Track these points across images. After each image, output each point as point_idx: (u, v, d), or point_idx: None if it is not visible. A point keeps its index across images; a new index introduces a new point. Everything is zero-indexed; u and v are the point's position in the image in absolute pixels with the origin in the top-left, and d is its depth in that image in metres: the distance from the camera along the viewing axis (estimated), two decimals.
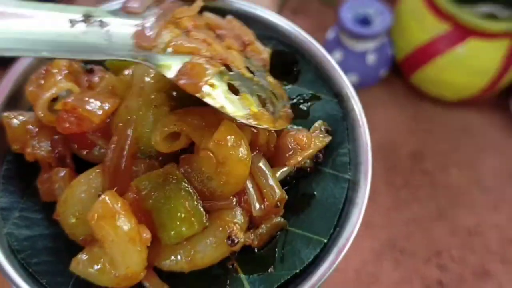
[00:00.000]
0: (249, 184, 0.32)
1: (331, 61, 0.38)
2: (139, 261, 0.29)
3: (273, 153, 0.34)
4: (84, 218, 0.30)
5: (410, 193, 0.82)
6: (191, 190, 0.30)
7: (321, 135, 0.35)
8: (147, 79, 0.32)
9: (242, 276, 0.32)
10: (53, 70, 0.33)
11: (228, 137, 0.29)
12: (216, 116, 0.30)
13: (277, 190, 0.32)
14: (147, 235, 0.29)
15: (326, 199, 0.34)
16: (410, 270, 0.81)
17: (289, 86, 0.39)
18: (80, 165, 0.34)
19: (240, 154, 0.29)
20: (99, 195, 0.29)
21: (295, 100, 0.38)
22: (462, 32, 0.76)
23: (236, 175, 0.30)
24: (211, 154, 0.29)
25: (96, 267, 0.30)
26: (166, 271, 0.31)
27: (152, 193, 0.30)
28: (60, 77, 0.32)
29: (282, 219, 0.33)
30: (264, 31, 0.40)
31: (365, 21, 0.75)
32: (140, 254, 0.29)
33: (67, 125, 0.30)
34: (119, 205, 0.28)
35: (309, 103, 0.37)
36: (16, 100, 0.36)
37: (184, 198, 0.29)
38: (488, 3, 0.77)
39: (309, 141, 0.34)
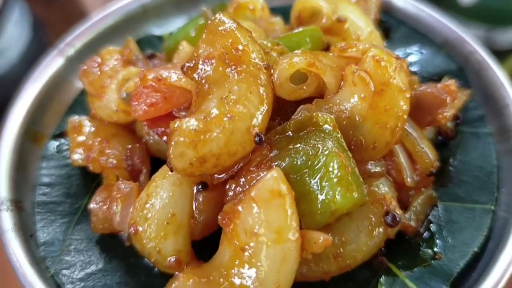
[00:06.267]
0: (397, 147, 0.24)
1: (429, 11, 0.34)
2: (292, 275, 0.20)
3: (413, 107, 0.25)
4: (178, 222, 0.22)
5: None
6: (344, 143, 0.21)
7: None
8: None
9: (400, 274, 0.23)
10: (108, 57, 0.29)
11: (387, 56, 0.22)
12: (345, 59, 0.24)
13: (431, 153, 0.24)
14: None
15: (473, 160, 0.28)
16: None
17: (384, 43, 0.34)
18: None
19: (400, 81, 0.22)
20: (199, 185, 0.23)
21: None
22: None
23: (395, 113, 0.21)
24: (367, 79, 0.21)
25: None
26: (297, 282, 0.22)
27: (291, 147, 0.20)
28: (118, 63, 0.29)
29: (433, 192, 0.26)
30: None
31: None
32: (296, 264, 0.20)
33: (152, 100, 0.24)
34: (285, 186, 0.19)
35: (412, 60, 0.32)
36: (38, 116, 0.34)
37: (338, 153, 0.20)
38: None
39: (456, 89, 0.26)
